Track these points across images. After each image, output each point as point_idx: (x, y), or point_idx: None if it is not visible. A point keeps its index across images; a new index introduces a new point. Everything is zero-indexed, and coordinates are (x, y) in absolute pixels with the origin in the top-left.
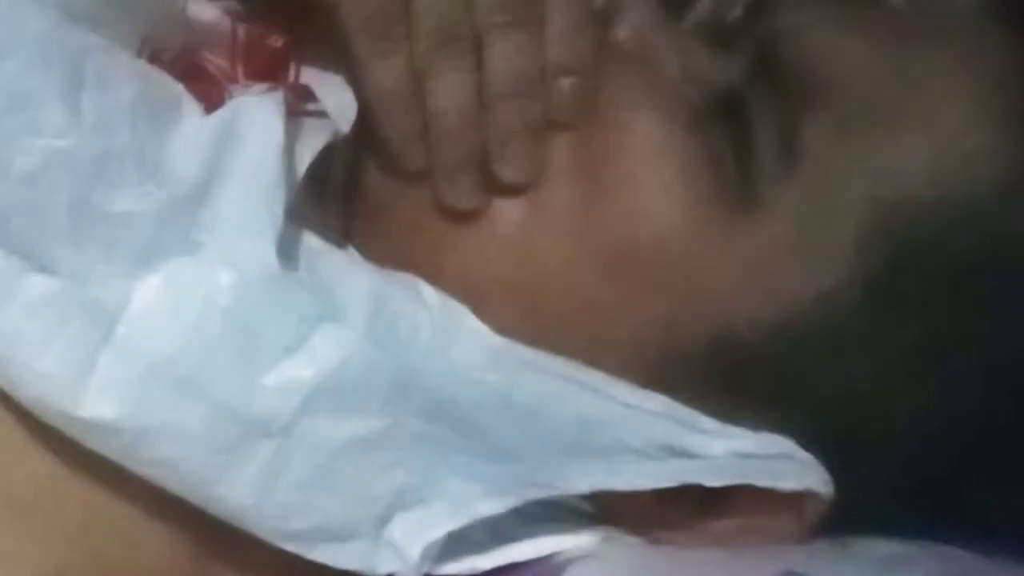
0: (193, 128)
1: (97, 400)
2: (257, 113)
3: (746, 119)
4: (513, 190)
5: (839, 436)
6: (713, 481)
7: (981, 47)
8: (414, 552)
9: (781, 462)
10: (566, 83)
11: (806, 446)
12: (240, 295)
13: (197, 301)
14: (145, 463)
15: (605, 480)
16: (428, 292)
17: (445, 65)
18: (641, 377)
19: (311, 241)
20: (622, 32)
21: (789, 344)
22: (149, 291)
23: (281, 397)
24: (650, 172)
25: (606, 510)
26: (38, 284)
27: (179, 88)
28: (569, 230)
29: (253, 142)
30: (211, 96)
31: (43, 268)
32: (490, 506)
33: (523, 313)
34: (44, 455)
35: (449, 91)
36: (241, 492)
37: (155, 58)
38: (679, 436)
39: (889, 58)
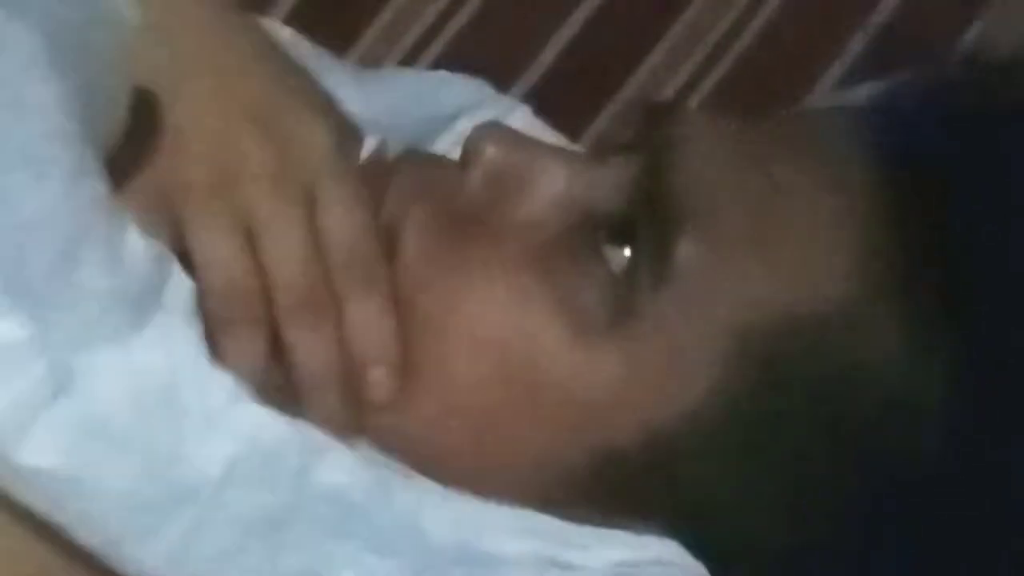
0: (137, 238)
1: (37, 448)
2: None
3: (626, 236)
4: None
5: (716, 545)
6: None
7: (845, 170)
8: None
9: (660, 568)
10: (372, 375)
11: (690, 551)
12: (171, 377)
13: (136, 377)
14: (71, 515)
15: None
16: None
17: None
18: (523, 490)
19: None
20: (472, 181)
21: (660, 458)
22: (96, 359)
23: (204, 464)
24: (507, 318)
25: None
26: (9, 328)
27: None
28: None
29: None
30: None
31: (15, 314)
32: None
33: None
34: None
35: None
36: (157, 557)
37: None
38: (558, 552)
39: (759, 181)
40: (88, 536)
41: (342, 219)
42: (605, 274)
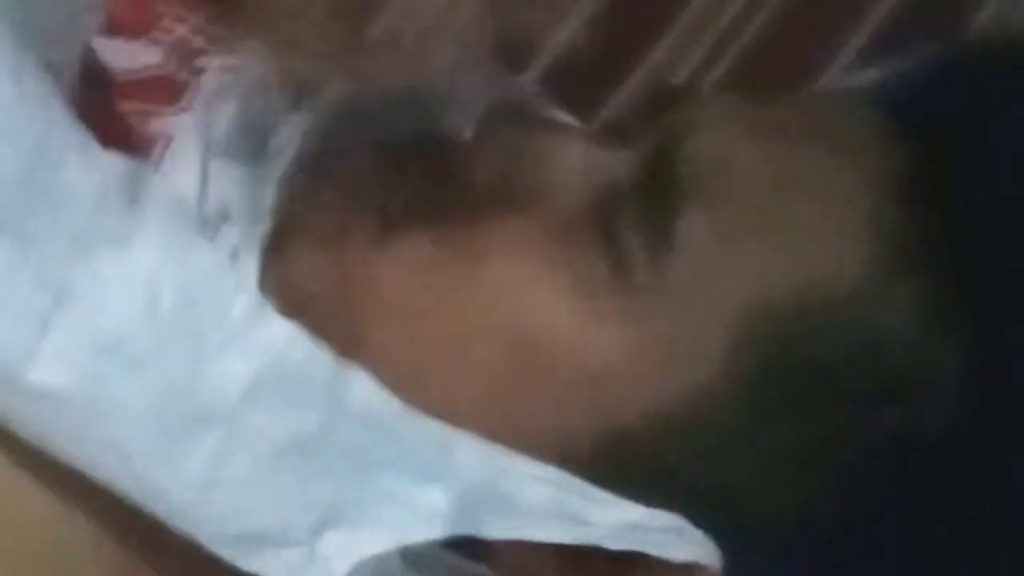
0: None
1: (50, 366)
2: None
3: (631, 213)
4: None
5: (723, 521)
6: (613, 545)
7: (858, 149)
8: (340, 570)
9: (671, 534)
10: None
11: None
12: (186, 287)
13: (146, 285)
14: (95, 444)
15: (518, 530)
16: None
17: None
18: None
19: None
20: (486, 159)
21: (669, 436)
22: (98, 266)
23: (226, 382)
24: (520, 293)
25: None
26: None
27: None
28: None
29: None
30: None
31: None
32: (417, 535)
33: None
34: None
35: None
36: (186, 485)
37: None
38: (576, 504)
39: (771, 161)
40: (115, 468)
41: None
42: (617, 251)
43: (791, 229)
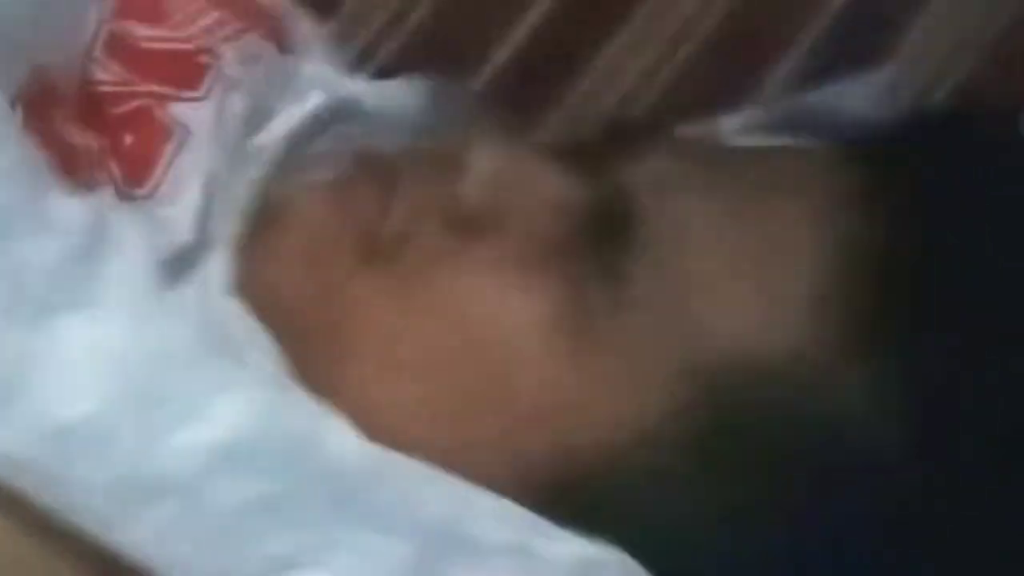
0: (66, 201)
1: (7, 440)
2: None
3: (590, 245)
4: None
5: (672, 565)
6: None
7: (825, 211)
8: None
9: (618, 569)
10: None
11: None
12: (142, 360)
13: (99, 361)
14: (55, 501)
15: (477, 570)
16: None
17: None
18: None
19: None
20: (470, 188)
21: (619, 475)
22: (58, 337)
23: (184, 459)
24: (493, 317)
25: None
26: None
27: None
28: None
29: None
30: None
31: None
32: None
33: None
34: None
35: None
36: (142, 543)
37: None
38: (532, 541)
39: (731, 226)
40: (76, 519)
41: None
42: (571, 286)
43: (738, 294)
